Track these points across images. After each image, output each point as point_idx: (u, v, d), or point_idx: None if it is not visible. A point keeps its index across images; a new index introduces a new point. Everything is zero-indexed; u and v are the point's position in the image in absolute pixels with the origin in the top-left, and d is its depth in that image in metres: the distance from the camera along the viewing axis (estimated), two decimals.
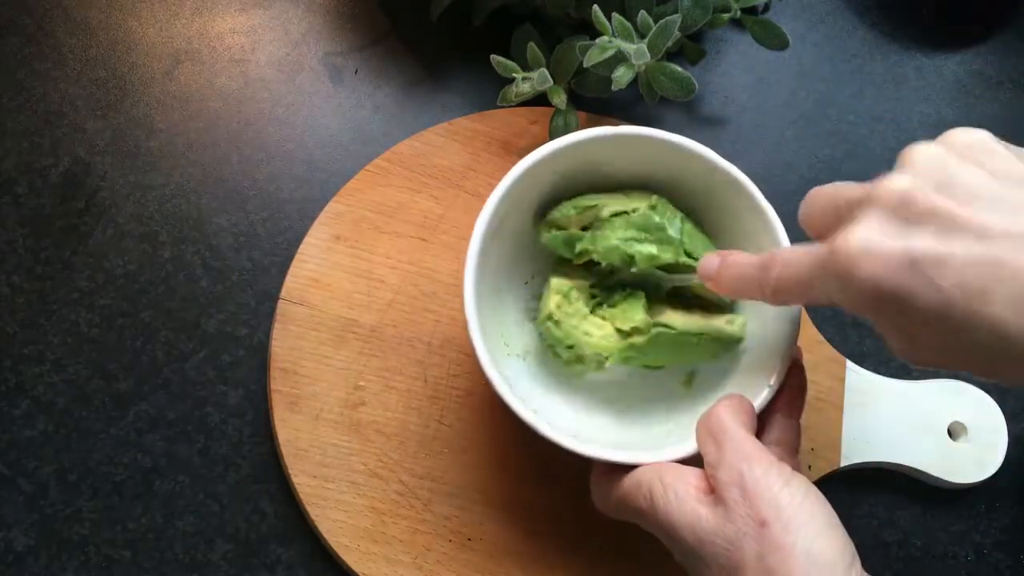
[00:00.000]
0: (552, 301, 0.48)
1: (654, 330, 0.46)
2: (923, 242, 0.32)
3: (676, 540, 0.39)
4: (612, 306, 0.48)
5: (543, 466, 0.51)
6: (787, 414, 0.44)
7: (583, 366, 0.49)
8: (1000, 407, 0.53)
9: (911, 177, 0.34)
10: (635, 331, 0.47)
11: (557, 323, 0.48)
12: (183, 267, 0.54)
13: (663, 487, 0.40)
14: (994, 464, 0.52)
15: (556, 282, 0.48)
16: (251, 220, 0.56)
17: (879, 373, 0.54)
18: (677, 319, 0.47)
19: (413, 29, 0.60)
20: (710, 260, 0.43)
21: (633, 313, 0.47)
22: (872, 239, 0.33)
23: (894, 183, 0.34)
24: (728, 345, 0.48)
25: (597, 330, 0.47)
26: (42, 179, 0.55)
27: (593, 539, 0.50)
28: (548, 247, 0.49)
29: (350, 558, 0.48)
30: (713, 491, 0.39)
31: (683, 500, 0.39)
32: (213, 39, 0.59)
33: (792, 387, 0.44)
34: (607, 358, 0.47)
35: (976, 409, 0.53)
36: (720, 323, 0.47)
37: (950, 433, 0.53)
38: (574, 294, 0.48)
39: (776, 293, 0.39)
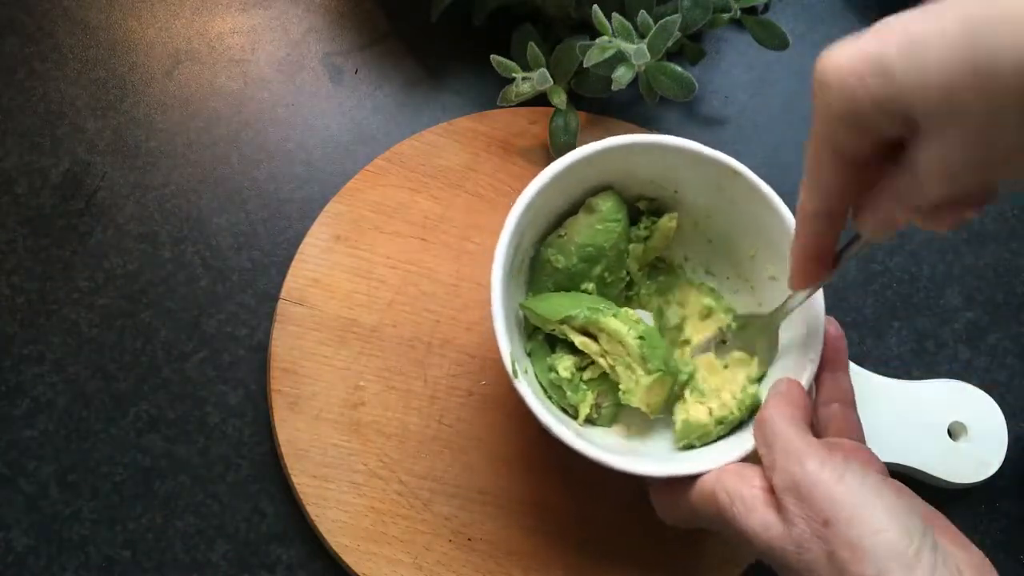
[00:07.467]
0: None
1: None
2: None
3: (751, 546, 0.39)
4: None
5: (543, 466, 0.51)
6: (832, 368, 0.44)
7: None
8: (1000, 407, 0.53)
9: None
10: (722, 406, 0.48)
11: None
12: (183, 267, 0.54)
13: (728, 496, 0.40)
14: (994, 464, 0.52)
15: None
16: (251, 220, 0.56)
17: (879, 373, 0.54)
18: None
19: (413, 29, 0.60)
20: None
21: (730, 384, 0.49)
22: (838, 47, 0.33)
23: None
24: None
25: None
26: (42, 179, 0.55)
27: (594, 539, 0.50)
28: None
29: (350, 558, 0.48)
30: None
31: (750, 508, 0.39)
32: (213, 39, 0.59)
33: (826, 341, 0.45)
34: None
35: (976, 409, 0.53)
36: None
37: (950, 433, 0.53)
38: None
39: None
